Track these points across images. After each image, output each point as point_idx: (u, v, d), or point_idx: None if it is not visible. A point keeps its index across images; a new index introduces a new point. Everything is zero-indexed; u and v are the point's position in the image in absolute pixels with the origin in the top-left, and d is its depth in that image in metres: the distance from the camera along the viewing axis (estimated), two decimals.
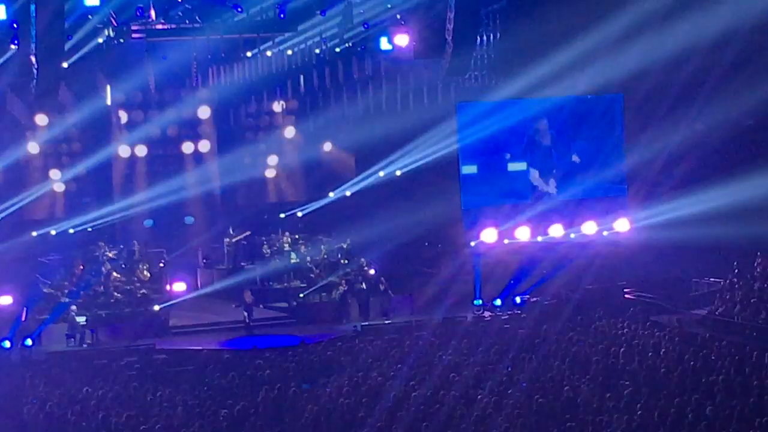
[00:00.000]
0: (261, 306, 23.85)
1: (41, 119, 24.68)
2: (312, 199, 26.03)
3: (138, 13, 23.18)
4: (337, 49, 25.16)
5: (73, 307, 22.21)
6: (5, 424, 15.32)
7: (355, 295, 23.85)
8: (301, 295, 23.94)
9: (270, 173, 25.99)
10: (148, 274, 23.95)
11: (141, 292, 23.43)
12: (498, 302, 23.91)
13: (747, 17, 22.32)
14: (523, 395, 15.05)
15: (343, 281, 24.04)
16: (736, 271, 22.56)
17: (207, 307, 24.16)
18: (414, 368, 16.87)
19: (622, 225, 25.72)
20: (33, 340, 21.72)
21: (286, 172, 26.12)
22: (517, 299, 23.91)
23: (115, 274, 23.68)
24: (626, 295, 23.89)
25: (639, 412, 13.94)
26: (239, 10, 23.42)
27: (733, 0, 21.95)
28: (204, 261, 25.61)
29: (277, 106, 25.76)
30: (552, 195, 25.86)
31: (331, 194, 25.80)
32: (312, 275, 24.33)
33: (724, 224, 22.87)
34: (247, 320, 23.01)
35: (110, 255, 24.14)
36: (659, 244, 24.47)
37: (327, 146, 26.76)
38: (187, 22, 23.65)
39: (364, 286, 23.99)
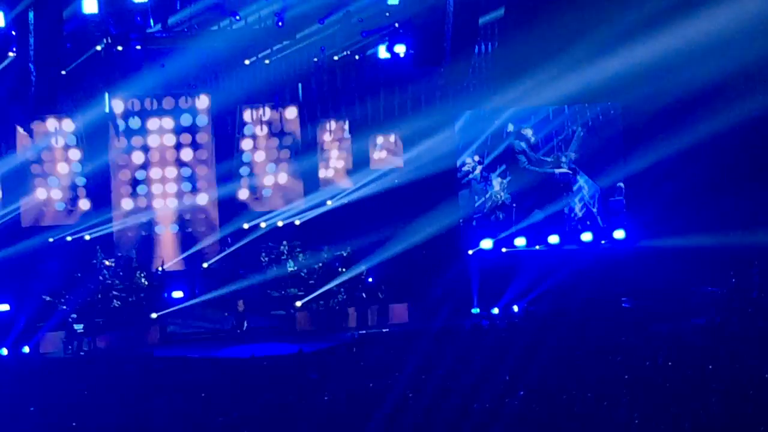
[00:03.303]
0: (253, 316, 23.84)
1: (39, 126, 24.67)
2: (310, 208, 26.01)
3: (137, 21, 23.23)
4: (336, 58, 25.16)
5: (72, 315, 22.22)
6: None
7: (353, 303, 23.86)
8: (299, 303, 23.93)
9: (268, 181, 25.96)
10: (146, 282, 23.95)
11: (139, 299, 23.42)
12: (496, 311, 23.95)
13: (747, 23, 22.36)
14: (521, 404, 15.04)
15: (341, 289, 24.04)
16: (734, 280, 22.56)
17: (205, 315, 24.19)
18: (411, 376, 16.86)
19: (619, 234, 25.74)
20: (30, 348, 21.74)
21: (284, 179, 26.09)
22: (515, 308, 23.94)
23: (112, 281, 23.67)
24: (624, 304, 23.90)
25: (636, 422, 13.94)
26: (238, 18, 23.48)
27: (733, 5, 21.99)
28: (202, 269, 25.59)
29: (275, 115, 25.72)
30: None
31: (329, 202, 25.78)
32: (310, 283, 24.33)
33: (722, 233, 22.89)
34: (239, 329, 23.06)
35: (108, 262, 24.14)
36: (657, 253, 24.49)
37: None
38: (185, 30, 23.68)
39: (362, 294, 24.01)
